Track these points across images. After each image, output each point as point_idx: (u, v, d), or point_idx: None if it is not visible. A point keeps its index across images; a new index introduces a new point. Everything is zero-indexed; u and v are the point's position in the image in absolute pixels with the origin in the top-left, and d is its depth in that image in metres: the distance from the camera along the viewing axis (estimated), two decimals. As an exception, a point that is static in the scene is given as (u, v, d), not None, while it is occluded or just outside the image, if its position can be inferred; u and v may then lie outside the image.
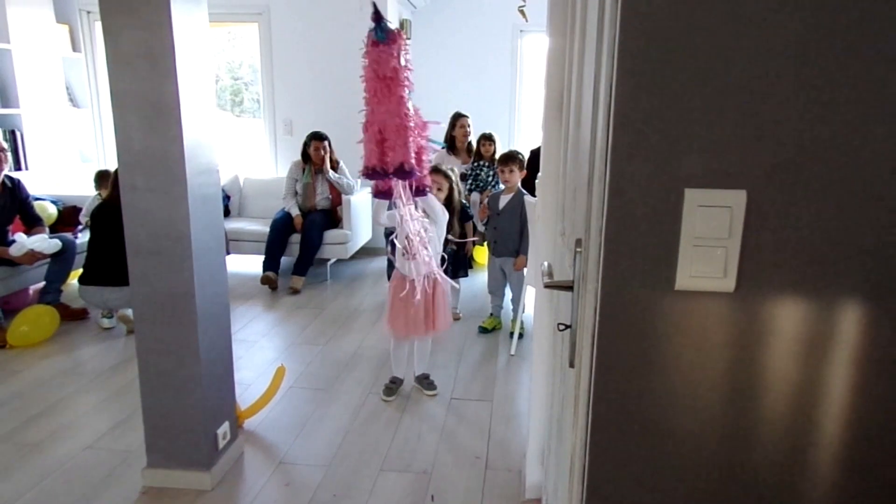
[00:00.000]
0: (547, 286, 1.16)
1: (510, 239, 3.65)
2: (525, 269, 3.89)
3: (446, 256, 2.85)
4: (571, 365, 1.02)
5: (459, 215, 3.62)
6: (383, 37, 2.21)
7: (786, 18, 0.69)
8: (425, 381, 3.01)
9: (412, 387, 3.04)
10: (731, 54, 0.71)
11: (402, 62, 2.26)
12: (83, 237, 4.16)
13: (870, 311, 0.75)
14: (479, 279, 4.56)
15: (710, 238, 0.76)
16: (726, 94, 0.72)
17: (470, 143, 4.74)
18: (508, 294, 3.91)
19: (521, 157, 3.69)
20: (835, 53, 0.69)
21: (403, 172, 2.35)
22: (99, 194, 4.33)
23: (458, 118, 4.72)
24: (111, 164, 5.37)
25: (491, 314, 3.87)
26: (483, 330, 3.77)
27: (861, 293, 0.74)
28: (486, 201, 3.79)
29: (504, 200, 3.67)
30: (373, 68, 2.24)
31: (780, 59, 0.70)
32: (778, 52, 0.70)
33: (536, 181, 2.06)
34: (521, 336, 3.61)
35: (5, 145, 3.87)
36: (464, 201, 3.84)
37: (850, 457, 0.79)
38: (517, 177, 3.64)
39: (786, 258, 0.75)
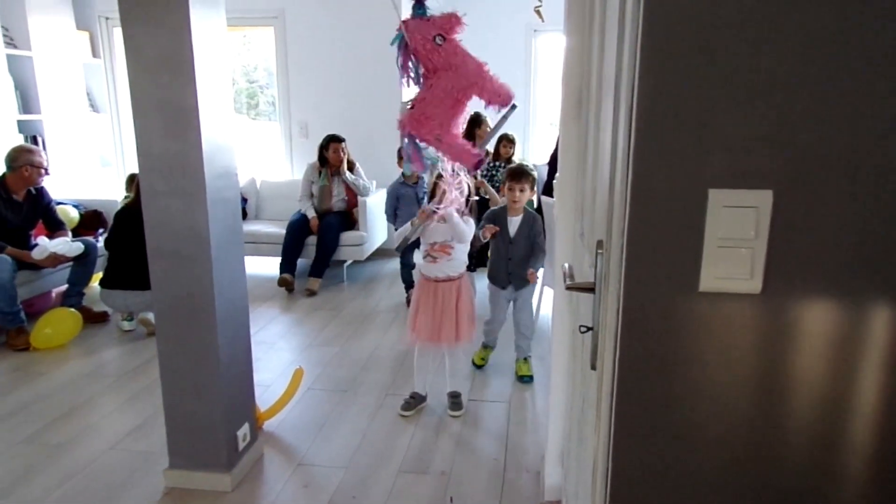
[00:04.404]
0: (569, 288, 1.15)
1: (524, 266, 3.12)
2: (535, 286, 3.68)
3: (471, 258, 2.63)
4: (593, 367, 1.01)
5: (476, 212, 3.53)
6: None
7: (814, 15, 0.68)
8: (452, 400, 2.83)
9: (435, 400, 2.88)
10: (756, 52, 0.70)
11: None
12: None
13: (901, 313, 0.73)
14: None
15: (735, 239, 0.74)
16: (751, 93, 0.71)
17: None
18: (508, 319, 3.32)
19: (533, 173, 3.08)
20: (864, 52, 0.68)
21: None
22: (127, 196, 4.38)
23: (479, 121, 4.47)
24: (130, 168, 5.44)
25: (484, 345, 3.33)
26: (476, 366, 3.28)
27: (890, 295, 0.73)
28: (488, 220, 3.18)
29: (514, 223, 3.10)
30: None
31: (807, 56, 0.69)
32: (805, 50, 0.69)
33: (554, 182, 2.05)
34: (529, 380, 3.12)
35: (46, 160, 3.86)
36: (475, 197, 3.70)
37: (880, 462, 0.77)
38: (527, 197, 3.07)
39: (814, 259, 0.74)
